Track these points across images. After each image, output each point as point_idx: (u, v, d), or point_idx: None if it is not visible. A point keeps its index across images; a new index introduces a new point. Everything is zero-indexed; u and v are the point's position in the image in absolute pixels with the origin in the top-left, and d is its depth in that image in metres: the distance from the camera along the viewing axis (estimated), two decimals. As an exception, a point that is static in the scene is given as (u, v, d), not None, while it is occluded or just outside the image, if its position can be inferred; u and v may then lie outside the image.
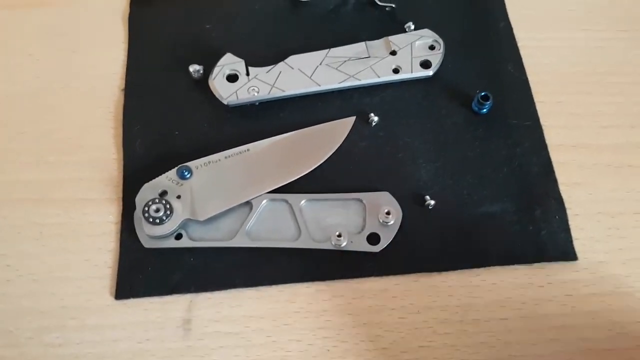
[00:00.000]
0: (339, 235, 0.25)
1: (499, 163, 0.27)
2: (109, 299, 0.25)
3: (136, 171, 0.27)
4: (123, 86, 0.30)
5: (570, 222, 0.26)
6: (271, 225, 0.26)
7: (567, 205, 0.26)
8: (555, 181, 0.27)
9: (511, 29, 0.32)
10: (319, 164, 0.27)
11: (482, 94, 0.28)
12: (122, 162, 0.28)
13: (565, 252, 0.25)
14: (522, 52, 0.31)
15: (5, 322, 0.24)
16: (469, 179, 0.27)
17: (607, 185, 0.27)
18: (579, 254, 0.25)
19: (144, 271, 0.25)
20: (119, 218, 0.27)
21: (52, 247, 0.26)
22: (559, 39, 0.32)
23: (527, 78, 0.30)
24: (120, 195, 0.27)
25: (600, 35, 0.32)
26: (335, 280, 0.25)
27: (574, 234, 0.26)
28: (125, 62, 0.31)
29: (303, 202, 0.26)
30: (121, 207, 0.27)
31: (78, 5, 0.33)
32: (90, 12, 0.33)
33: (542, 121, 0.29)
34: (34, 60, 0.31)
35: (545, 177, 0.27)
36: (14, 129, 0.29)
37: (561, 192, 0.27)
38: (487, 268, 0.25)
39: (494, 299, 0.24)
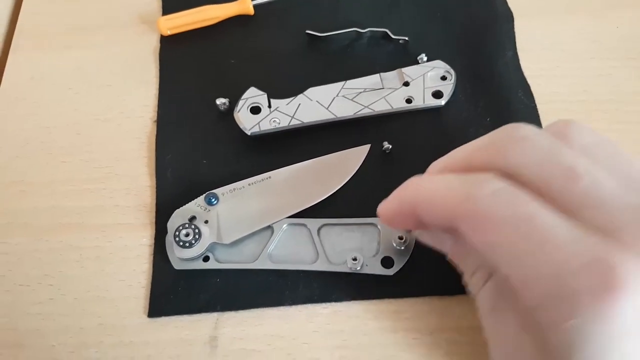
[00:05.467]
0: (354, 259, 0.26)
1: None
2: (143, 317, 0.27)
3: (167, 197, 0.29)
4: (155, 118, 0.32)
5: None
6: (291, 249, 0.28)
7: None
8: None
9: (518, 58, 0.33)
10: (335, 189, 0.29)
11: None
12: (154, 190, 0.30)
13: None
14: (530, 81, 0.32)
15: (48, 338, 0.26)
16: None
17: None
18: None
19: (175, 291, 0.27)
20: (152, 241, 0.29)
21: (91, 268, 0.28)
22: (567, 68, 0.33)
23: (535, 106, 0.31)
24: (153, 220, 0.29)
25: (608, 64, 0.33)
26: (352, 302, 0.26)
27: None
28: (157, 96, 0.33)
29: (320, 226, 0.28)
30: (154, 231, 0.29)
31: (114, 44, 0.36)
32: (125, 51, 0.36)
33: (550, 148, 0.30)
34: (73, 93, 0.34)
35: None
36: (57, 158, 0.32)
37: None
38: (496, 291, 0.26)
39: (504, 321, 0.25)
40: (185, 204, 0.28)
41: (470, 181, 0.19)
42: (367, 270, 0.26)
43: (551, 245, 0.17)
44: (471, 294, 0.22)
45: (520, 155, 0.19)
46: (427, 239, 0.25)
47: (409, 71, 0.32)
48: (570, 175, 0.18)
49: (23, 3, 0.39)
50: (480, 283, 0.22)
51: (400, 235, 0.27)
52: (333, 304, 0.26)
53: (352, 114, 0.31)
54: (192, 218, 0.28)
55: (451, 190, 0.20)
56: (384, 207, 0.23)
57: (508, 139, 0.20)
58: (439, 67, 0.32)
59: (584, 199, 0.18)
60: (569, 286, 0.16)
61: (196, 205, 0.28)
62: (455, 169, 0.21)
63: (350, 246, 0.27)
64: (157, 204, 0.29)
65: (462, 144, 0.30)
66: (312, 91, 0.31)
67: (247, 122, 0.30)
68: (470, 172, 0.20)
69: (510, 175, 0.19)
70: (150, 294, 0.27)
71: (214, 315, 0.26)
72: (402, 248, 0.27)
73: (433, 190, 0.20)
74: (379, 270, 0.26)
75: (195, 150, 0.31)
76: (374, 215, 0.28)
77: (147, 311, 0.27)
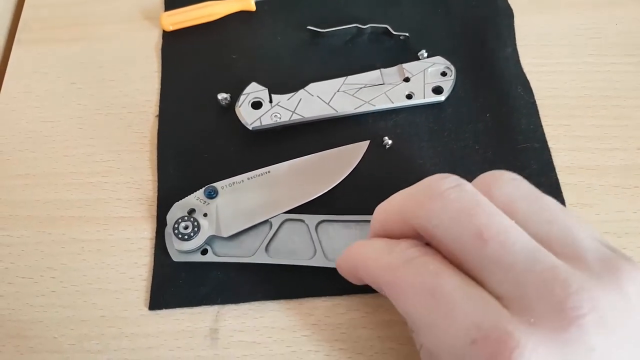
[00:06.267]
0: (351, 256, 0.26)
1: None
2: (144, 309, 0.27)
3: (169, 191, 0.30)
4: (157, 113, 0.33)
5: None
6: (288, 244, 0.28)
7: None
8: (563, 202, 0.28)
9: (518, 54, 0.33)
10: (334, 185, 0.29)
11: None
12: (156, 183, 0.30)
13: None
14: (530, 77, 0.32)
15: (50, 330, 0.27)
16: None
17: (614, 206, 0.28)
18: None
19: (175, 284, 0.27)
20: (153, 234, 0.29)
21: (93, 261, 0.28)
22: (567, 64, 0.33)
23: (534, 101, 0.31)
24: (155, 213, 0.29)
25: (607, 60, 0.33)
26: (351, 295, 0.27)
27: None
28: (159, 91, 0.33)
29: (318, 222, 0.28)
30: (155, 224, 0.29)
31: (116, 39, 0.36)
32: (127, 46, 0.36)
33: (550, 144, 0.30)
34: (76, 88, 0.34)
35: (553, 198, 0.28)
36: (60, 152, 0.32)
37: (569, 212, 0.28)
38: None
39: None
40: (185, 197, 0.28)
41: (391, 250, 0.20)
42: None
43: (452, 317, 0.17)
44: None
45: (433, 214, 0.19)
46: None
47: (409, 67, 0.32)
48: (478, 239, 0.18)
49: (26, -3, 0.39)
50: (419, 343, 0.22)
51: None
52: (333, 297, 0.27)
53: (352, 109, 0.31)
54: (192, 211, 0.28)
55: (377, 259, 0.21)
56: (339, 263, 0.24)
57: (425, 195, 0.20)
58: (439, 63, 0.32)
59: (490, 263, 0.18)
60: (468, 358, 0.17)
61: (195, 199, 0.28)
62: (389, 221, 0.22)
63: (347, 243, 0.27)
64: (158, 198, 0.30)
65: (462, 140, 0.30)
66: (313, 86, 0.32)
67: (248, 116, 0.31)
68: (402, 225, 0.21)
69: (430, 235, 0.19)
70: (151, 286, 0.27)
71: (215, 307, 0.27)
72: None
73: (365, 258, 0.21)
74: None
75: (197, 145, 0.31)
76: (373, 210, 0.28)
77: (148, 303, 0.27)
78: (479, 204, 0.19)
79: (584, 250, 0.18)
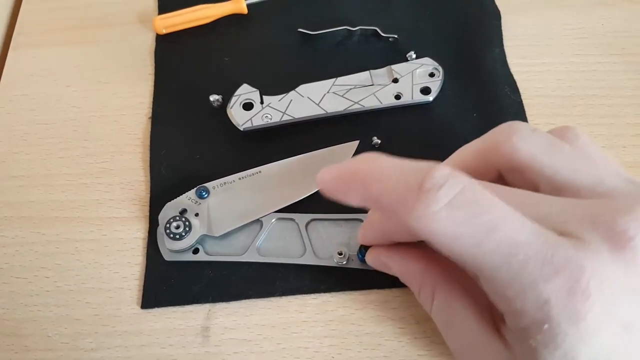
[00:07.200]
0: (340, 254, 0.27)
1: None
2: (136, 308, 0.27)
3: (162, 192, 0.30)
4: (150, 115, 0.33)
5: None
6: (279, 243, 0.28)
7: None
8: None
9: (505, 54, 0.34)
10: (325, 184, 0.29)
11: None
12: (149, 184, 0.31)
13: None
14: (517, 77, 0.33)
15: (45, 328, 0.27)
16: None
17: (600, 203, 0.29)
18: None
19: (167, 283, 0.28)
20: (146, 234, 0.29)
21: (86, 261, 0.29)
22: (553, 64, 0.34)
23: (521, 101, 0.32)
24: (147, 213, 0.30)
25: (593, 60, 0.33)
26: (340, 292, 0.27)
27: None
28: (152, 93, 0.34)
29: (309, 221, 0.28)
30: (148, 225, 0.29)
31: (110, 43, 0.37)
32: (121, 49, 0.36)
33: (536, 142, 0.30)
34: (71, 91, 0.35)
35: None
36: (54, 153, 0.32)
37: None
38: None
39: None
40: (177, 197, 0.29)
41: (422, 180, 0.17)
42: (353, 264, 0.27)
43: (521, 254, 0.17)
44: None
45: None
46: (376, 265, 0.25)
47: (398, 68, 0.32)
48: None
49: (23, 1, 0.40)
50: (429, 300, 0.22)
51: (387, 227, 0.27)
52: (322, 294, 0.27)
53: (342, 109, 0.31)
54: (183, 211, 0.28)
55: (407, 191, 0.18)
56: (329, 173, 0.21)
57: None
58: (427, 64, 0.32)
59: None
60: (542, 293, 0.16)
61: (187, 199, 0.29)
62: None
63: (337, 241, 0.28)
64: (151, 198, 0.30)
65: (449, 139, 0.31)
66: (303, 88, 0.32)
67: (239, 117, 0.31)
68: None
69: None
70: (144, 285, 0.28)
71: (206, 306, 0.27)
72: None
73: (386, 185, 0.19)
74: (364, 265, 0.27)
75: (189, 146, 0.32)
76: (361, 209, 0.29)
77: (140, 302, 0.27)
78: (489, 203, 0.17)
79: (611, 189, 0.19)
